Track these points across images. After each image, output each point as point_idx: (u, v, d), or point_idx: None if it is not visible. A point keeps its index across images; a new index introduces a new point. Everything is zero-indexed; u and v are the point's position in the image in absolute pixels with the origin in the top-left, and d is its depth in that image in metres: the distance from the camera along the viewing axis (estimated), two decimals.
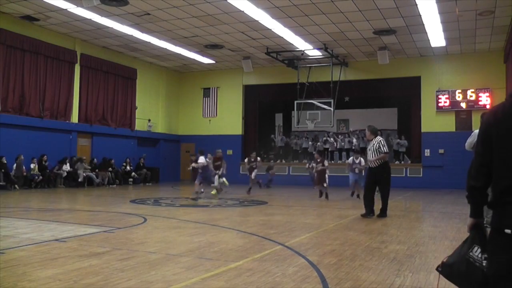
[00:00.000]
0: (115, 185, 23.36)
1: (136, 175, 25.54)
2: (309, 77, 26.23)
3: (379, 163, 11.15)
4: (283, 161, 28.61)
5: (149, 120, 28.33)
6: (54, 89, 22.29)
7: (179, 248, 7.25)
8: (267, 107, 30.73)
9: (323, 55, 24.70)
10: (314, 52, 24.50)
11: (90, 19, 20.02)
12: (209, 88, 30.07)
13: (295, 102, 25.79)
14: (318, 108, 25.46)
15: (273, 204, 15.11)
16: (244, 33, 21.58)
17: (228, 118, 29.39)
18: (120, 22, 20.34)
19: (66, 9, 18.88)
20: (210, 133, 29.38)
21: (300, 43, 22.90)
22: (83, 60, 23.80)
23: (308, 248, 7.33)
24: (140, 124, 27.58)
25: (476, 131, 8.75)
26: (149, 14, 19.16)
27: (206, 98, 30.11)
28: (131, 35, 22.25)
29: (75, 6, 18.30)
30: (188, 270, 5.74)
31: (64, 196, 17.24)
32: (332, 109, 24.71)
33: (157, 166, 27.75)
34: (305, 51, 24.25)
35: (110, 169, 23.73)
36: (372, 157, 11.20)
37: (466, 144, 9.13)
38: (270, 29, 20.81)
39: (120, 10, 18.76)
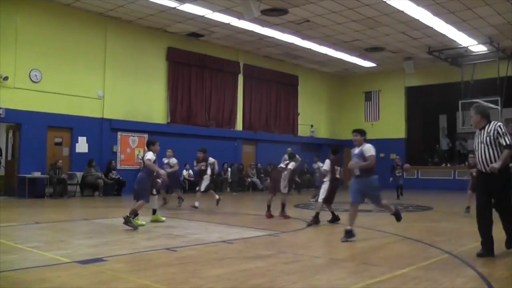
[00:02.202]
0: None
1: (299, 180, 25.88)
2: (474, 75, 24.59)
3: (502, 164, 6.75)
4: (448, 165, 27.14)
5: (312, 126, 28.59)
6: (219, 99, 23.48)
7: (343, 252, 7.14)
8: (431, 108, 29.40)
9: (488, 50, 22.97)
10: (478, 48, 22.95)
11: (252, 31, 20.76)
12: (371, 92, 29.61)
13: (460, 102, 24.34)
14: None
15: (439, 210, 14.40)
16: (405, 33, 20.93)
17: (391, 122, 28.66)
18: (281, 31, 20.80)
19: (228, 23, 19.77)
20: (373, 137, 28.61)
21: (463, 39, 21.65)
22: (246, 70, 24.74)
23: (478, 258, 6.74)
24: (303, 130, 27.95)
25: None
26: (308, 21, 19.36)
27: (368, 102, 29.69)
28: (292, 43, 22.64)
29: (237, 19, 19.07)
30: (353, 275, 5.63)
31: (230, 200, 17.92)
32: (499, 107, 22.91)
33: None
34: (468, 47, 22.86)
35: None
36: (487, 154, 6.90)
37: None
38: (431, 27, 19.95)
39: (280, 20, 19.19)
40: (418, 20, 19.04)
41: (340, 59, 25.81)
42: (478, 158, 7.03)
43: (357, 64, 26.96)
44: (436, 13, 18.22)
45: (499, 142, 6.82)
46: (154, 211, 10.33)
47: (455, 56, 24.40)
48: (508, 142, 6.76)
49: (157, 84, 21.27)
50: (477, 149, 7.09)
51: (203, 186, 13.88)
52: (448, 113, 29.81)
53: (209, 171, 14.02)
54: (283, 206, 11.60)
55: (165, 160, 14.47)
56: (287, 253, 7.01)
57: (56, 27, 18.04)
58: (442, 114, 30.58)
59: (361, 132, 8.69)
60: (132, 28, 20.27)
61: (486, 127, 7.03)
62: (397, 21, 19.27)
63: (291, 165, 12.02)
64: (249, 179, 23.11)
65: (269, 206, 11.69)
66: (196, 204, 13.51)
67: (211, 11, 18.34)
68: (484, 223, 6.85)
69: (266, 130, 25.89)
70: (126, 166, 20.13)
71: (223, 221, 11.06)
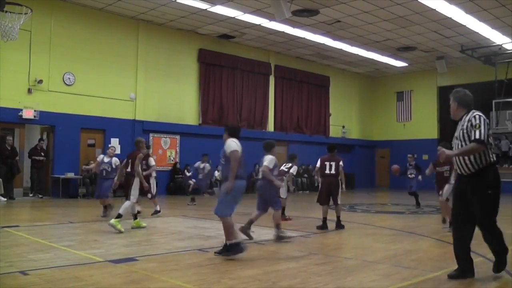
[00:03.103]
0: (307, 191, 23.79)
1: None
2: (508, 73, 24.09)
3: (472, 165, 5.40)
4: None
5: (343, 127, 28.42)
6: (250, 100, 23.54)
7: (375, 254, 7.05)
8: None
9: None
10: None
11: (283, 32, 20.74)
12: (403, 92, 29.28)
13: (493, 101, 23.93)
14: None
15: None
16: (437, 32, 20.63)
17: (423, 122, 28.29)
18: (312, 32, 20.74)
19: (259, 24, 19.78)
20: (405, 137, 28.52)
21: (497, 37, 21.26)
22: (277, 71, 24.74)
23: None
24: (334, 131, 27.80)
25: None
26: (339, 21, 19.24)
27: (400, 102, 29.37)
28: (323, 44, 22.55)
29: (268, 21, 19.08)
30: (385, 278, 5.54)
31: None
32: None
33: (352, 172, 27.56)
34: (502, 45, 22.38)
35: (305, 175, 24.27)
36: (459, 146, 5.51)
37: None
38: (464, 25, 19.62)
39: (311, 20, 19.13)
40: (450, 18, 18.73)
41: (372, 59, 25.60)
42: (453, 152, 5.58)
43: (389, 64, 26.69)
44: (468, 11, 17.90)
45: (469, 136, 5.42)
46: (135, 216, 9.74)
47: (488, 54, 23.92)
48: (477, 137, 5.34)
49: (188, 86, 21.42)
50: (454, 142, 5.68)
51: (154, 191, 12.48)
52: (481, 113, 29.19)
53: (154, 174, 12.67)
54: (283, 209, 10.67)
55: (106, 159, 12.26)
56: (319, 254, 6.97)
57: (89, 30, 18.32)
58: None
59: (225, 127, 7.39)
60: (164, 31, 20.44)
61: (464, 117, 5.64)
62: (429, 20, 18.98)
63: (293, 170, 11.42)
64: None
65: None
66: (158, 208, 12.35)
67: (242, 13, 18.38)
68: (457, 236, 5.53)
69: (298, 131, 25.85)
70: (158, 167, 20.20)
71: (254, 222, 11.02)
